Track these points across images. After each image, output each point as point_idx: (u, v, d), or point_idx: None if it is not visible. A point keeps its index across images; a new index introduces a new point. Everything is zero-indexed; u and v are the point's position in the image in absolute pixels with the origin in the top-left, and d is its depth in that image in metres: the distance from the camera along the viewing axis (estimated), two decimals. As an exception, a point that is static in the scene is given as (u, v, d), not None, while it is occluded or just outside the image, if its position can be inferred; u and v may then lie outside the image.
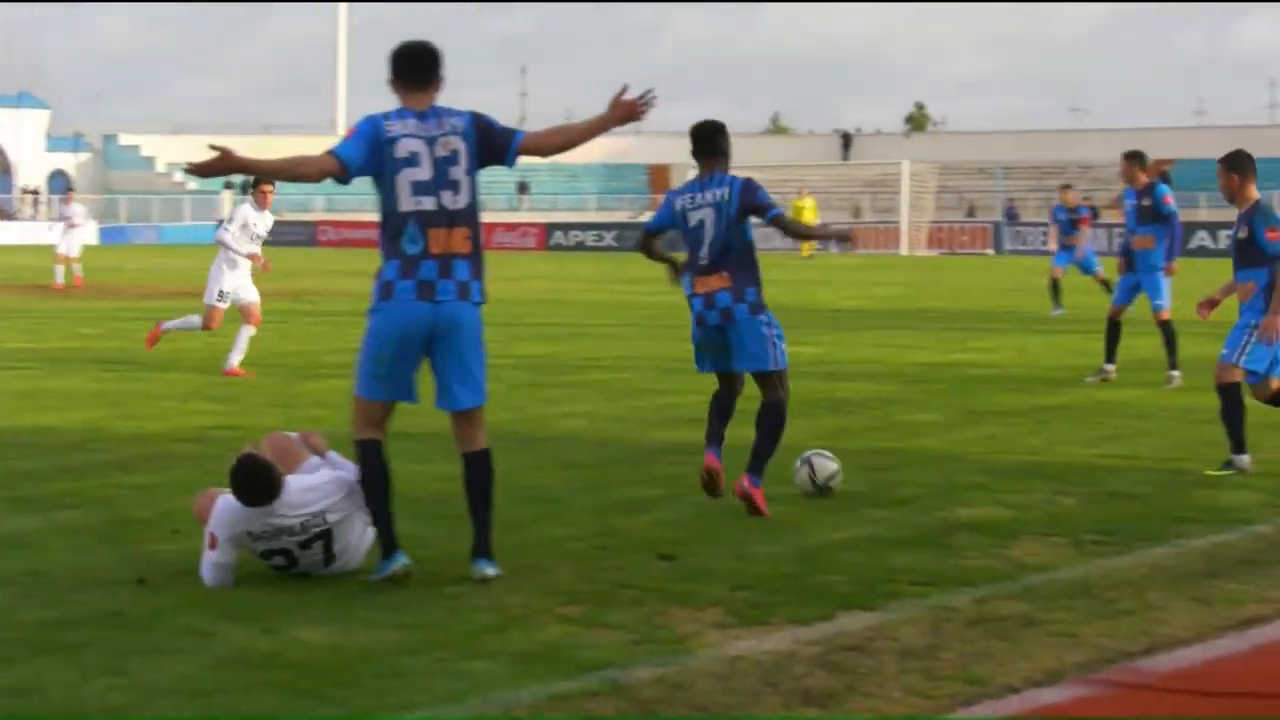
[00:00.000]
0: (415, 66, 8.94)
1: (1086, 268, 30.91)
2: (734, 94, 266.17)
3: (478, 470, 9.05)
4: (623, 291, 40.36)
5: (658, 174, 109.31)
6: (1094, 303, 29.15)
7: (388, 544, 8.71)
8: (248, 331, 19.99)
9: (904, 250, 77.66)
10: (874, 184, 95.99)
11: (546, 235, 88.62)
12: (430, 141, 8.73)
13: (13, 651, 7.38)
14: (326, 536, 8.77)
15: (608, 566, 9.08)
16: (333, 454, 9.39)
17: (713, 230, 11.16)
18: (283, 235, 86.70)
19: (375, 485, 8.80)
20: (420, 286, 8.65)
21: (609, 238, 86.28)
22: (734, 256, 11.18)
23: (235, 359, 19.69)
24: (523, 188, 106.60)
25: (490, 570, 8.74)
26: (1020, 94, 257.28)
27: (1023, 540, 9.85)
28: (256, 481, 8.66)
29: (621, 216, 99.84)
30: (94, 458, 12.99)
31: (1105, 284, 30.05)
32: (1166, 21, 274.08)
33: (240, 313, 20.23)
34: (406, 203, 8.67)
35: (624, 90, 9.02)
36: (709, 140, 11.48)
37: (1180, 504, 11.02)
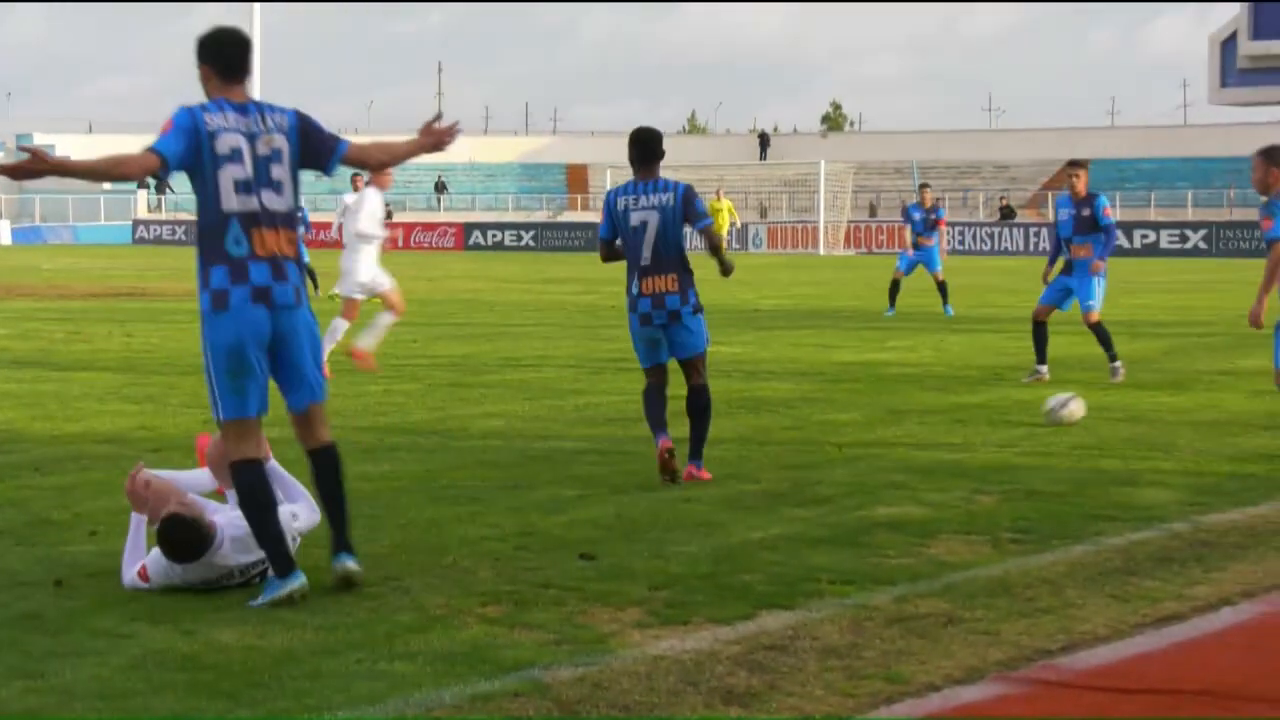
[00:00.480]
0: (233, 56, 8.55)
1: (929, 265, 31.10)
2: (650, 94, 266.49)
3: (328, 465, 8.68)
4: (541, 291, 40.34)
5: (575, 173, 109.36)
6: (933, 303, 29.24)
7: (284, 563, 8.29)
8: (389, 319, 19.79)
9: (822, 250, 77.97)
10: (792, 184, 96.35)
11: (465, 235, 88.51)
12: (251, 138, 8.36)
13: (-74, 655, 7.29)
14: (262, 568, 8.56)
15: (528, 566, 9.05)
16: (274, 465, 9.11)
17: (655, 232, 11.91)
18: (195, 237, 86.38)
19: (267, 505, 8.38)
20: (255, 292, 8.29)
21: (527, 238, 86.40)
22: (675, 258, 12.04)
23: (370, 342, 19.52)
24: (440, 187, 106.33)
25: (352, 564, 8.48)
26: (935, 94, 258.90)
27: (942, 539, 9.87)
28: (185, 544, 8.38)
29: (540, 216, 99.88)
30: (8, 459, 12.87)
31: (942, 285, 31.13)
32: (1080, 22, 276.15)
33: (381, 300, 19.94)
34: (229, 201, 8.29)
35: (437, 118, 9.01)
36: (652, 146, 12.13)
37: (1098, 502, 11.08)
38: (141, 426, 14.68)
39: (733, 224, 67.55)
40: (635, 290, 12.07)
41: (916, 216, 31.51)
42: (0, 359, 21.44)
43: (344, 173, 9.81)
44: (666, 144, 12.34)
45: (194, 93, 8.78)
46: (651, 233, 11.90)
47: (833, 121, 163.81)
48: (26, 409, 16.02)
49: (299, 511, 8.89)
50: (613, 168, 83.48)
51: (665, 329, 12.11)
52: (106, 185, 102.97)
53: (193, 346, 22.61)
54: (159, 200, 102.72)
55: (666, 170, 12.58)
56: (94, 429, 14.57)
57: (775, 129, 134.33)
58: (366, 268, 19.82)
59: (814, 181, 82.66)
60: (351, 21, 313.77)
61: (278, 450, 9.32)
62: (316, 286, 35.30)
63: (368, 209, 19.80)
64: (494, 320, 29.11)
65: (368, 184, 20.23)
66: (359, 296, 19.85)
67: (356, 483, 11.09)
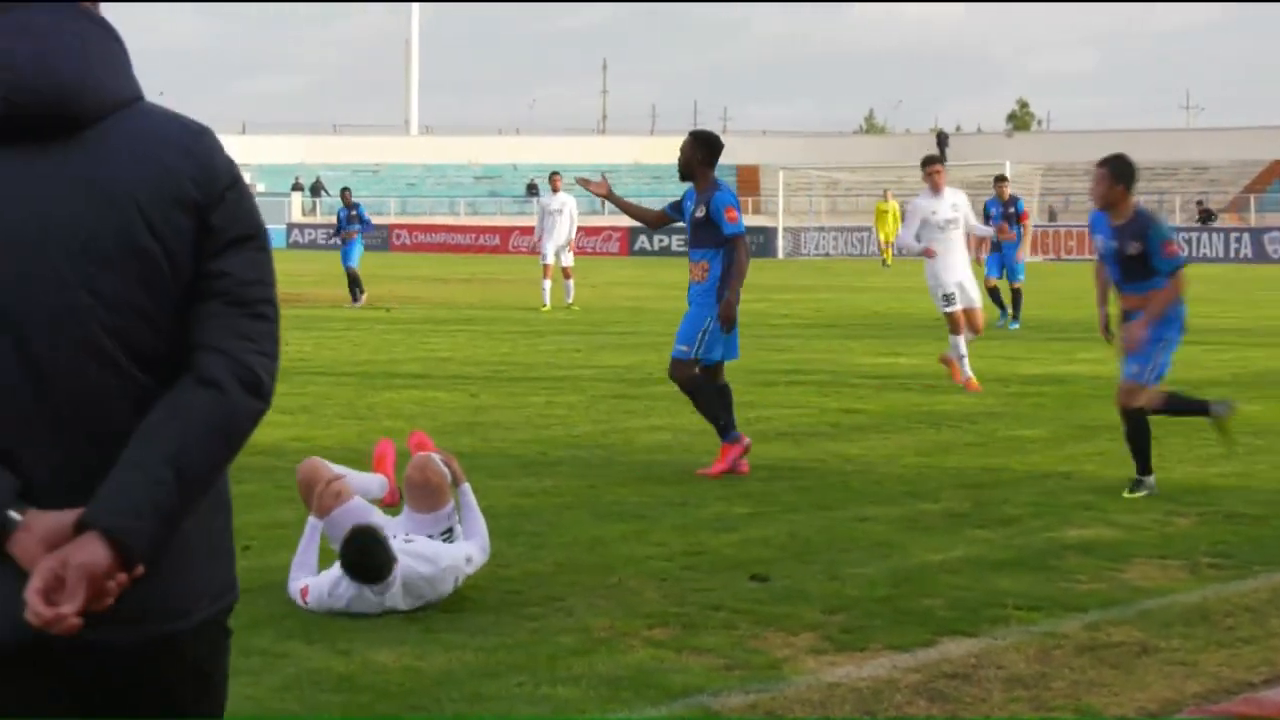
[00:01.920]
0: None
1: (1011, 270, 29.81)
2: (824, 91, 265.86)
3: None
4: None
5: (745, 175, 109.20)
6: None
7: None
8: (966, 339, 19.41)
9: (1006, 256, 77.30)
10: (974, 185, 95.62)
11: (630, 240, 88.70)
12: None
13: (77, 672, 7.41)
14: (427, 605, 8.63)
15: (697, 587, 9.06)
16: (467, 490, 9.25)
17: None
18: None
19: None
20: None
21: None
22: None
23: (968, 371, 19.17)
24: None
25: None
26: (1129, 91, 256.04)
27: (1135, 563, 9.77)
28: (373, 567, 8.44)
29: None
30: (160, 470, 13.03)
31: (1017, 295, 29.89)
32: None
33: (964, 318, 19.43)
34: None
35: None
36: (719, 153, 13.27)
37: (1303, 525, 10.92)
38: (296, 438, 14.85)
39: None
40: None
41: (994, 213, 29.63)
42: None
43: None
44: (841, 144, 12.62)
45: (351, 93, 8.89)
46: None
47: (1019, 120, 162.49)
48: (178, 419, 16.23)
49: (473, 555, 8.88)
50: (785, 169, 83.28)
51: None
52: (260, 186, 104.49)
53: (348, 356, 22.90)
54: (314, 203, 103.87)
55: (842, 171, 12.72)
56: (249, 441, 14.72)
57: (958, 128, 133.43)
58: (945, 276, 19.44)
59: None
60: (513, 18, 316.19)
61: (265, 461, 9.38)
62: (361, 293, 35.59)
63: (914, 220, 19.48)
64: (660, 329, 29.12)
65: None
66: (954, 308, 19.36)
67: (517, 498, 11.18)
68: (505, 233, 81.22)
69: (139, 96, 3.36)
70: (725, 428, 13.01)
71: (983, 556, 9.93)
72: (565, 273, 35.10)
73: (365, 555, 8.42)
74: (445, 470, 9.21)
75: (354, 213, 36.48)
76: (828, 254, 77.61)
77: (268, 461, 13.47)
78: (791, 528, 10.78)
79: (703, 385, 13.17)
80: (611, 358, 23.32)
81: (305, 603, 8.59)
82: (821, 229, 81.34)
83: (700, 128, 14.13)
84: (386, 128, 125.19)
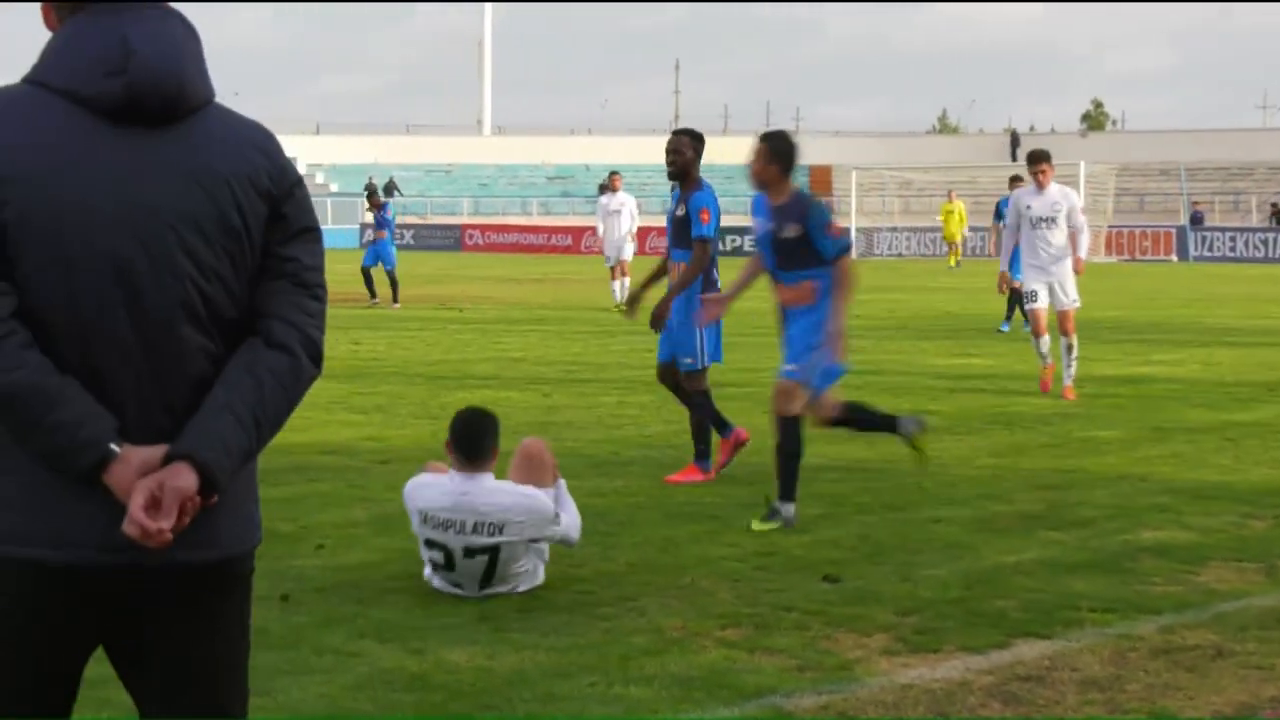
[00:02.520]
0: None
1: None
2: (898, 91, 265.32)
3: None
4: (782, 299, 40.26)
5: (818, 175, 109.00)
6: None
7: None
8: (1047, 342, 19.15)
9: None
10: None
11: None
12: None
13: (152, 669, 7.46)
14: (493, 553, 8.75)
15: (769, 588, 9.06)
16: (563, 484, 9.48)
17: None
18: (428, 240, 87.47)
19: None
20: None
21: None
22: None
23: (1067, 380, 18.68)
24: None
25: None
26: (1204, 90, 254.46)
27: (1211, 565, 9.72)
28: (471, 431, 8.89)
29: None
30: (234, 469, 13.10)
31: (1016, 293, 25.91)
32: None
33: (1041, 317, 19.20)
34: None
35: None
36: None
37: (1381, 528, 10.83)
38: (369, 437, 14.92)
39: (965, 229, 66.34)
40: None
41: (1006, 212, 27.87)
42: (226, 366, 21.88)
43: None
44: (913, 144, 12.54)
45: (424, 93, 9.01)
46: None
47: (1093, 120, 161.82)
48: (252, 418, 16.30)
49: (563, 519, 9.05)
50: (859, 169, 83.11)
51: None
52: (334, 186, 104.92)
53: (420, 356, 22.98)
54: (387, 204, 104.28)
55: (915, 171, 12.62)
56: (320, 439, 14.81)
57: (1031, 128, 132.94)
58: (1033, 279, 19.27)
59: (1073, 184, 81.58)
60: (585, 17, 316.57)
61: (338, 460, 9.42)
62: (375, 296, 35.02)
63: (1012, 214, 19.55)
64: (731, 329, 29.09)
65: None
66: (1039, 306, 19.16)
67: (590, 498, 11.18)
68: (578, 233, 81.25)
69: (214, 96, 3.81)
70: (706, 450, 13.05)
71: (1057, 558, 9.89)
72: (622, 269, 34.78)
73: (475, 420, 8.94)
74: (546, 454, 9.54)
75: (382, 214, 35.98)
76: (900, 254, 77.42)
77: (341, 461, 13.55)
78: (864, 529, 10.76)
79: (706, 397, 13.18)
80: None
81: (415, 499, 8.98)
82: (895, 229, 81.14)
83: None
84: (459, 128, 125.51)
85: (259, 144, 3.82)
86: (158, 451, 3.60)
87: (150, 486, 3.55)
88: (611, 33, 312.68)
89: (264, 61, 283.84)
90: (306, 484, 12.40)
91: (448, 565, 8.81)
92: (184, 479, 3.58)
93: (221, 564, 3.85)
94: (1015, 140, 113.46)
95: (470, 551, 8.73)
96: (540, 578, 9.03)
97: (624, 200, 34.90)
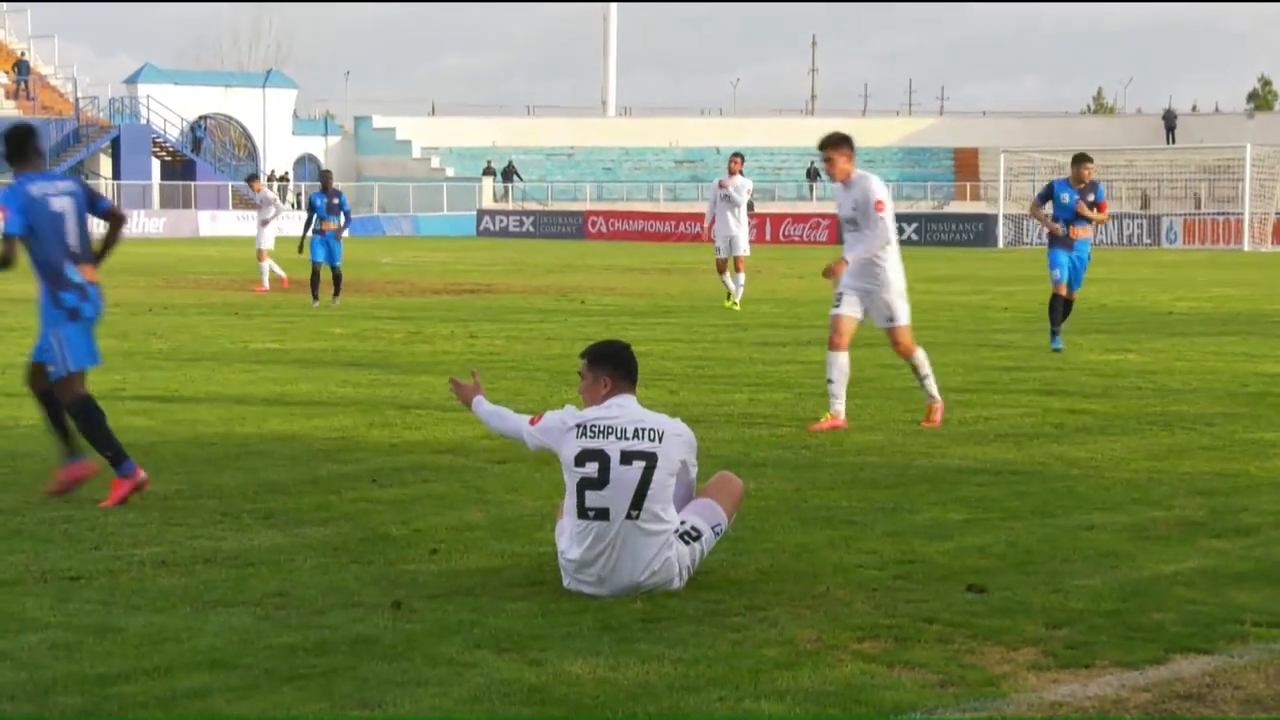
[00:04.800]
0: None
1: (1076, 274, 24.61)
2: (1049, 69, 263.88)
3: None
4: (925, 291, 39.60)
5: (963, 158, 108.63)
6: None
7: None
8: None
9: (1247, 246, 76.21)
10: (1213, 170, 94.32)
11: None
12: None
13: (258, 679, 7.53)
14: (649, 464, 8.99)
15: (909, 598, 9.03)
16: (725, 524, 9.67)
17: None
18: (548, 227, 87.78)
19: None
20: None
21: (910, 230, 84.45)
22: None
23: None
24: (814, 174, 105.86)
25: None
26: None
27: (1387, 577, 9.60)
28: (628, 354, 9.41)
29: (924, 206, 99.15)
30: (344, 469, 13.23)
31: (1069, 305, 24.46)
32: None
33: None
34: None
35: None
36: None
37: None
38: (486, 435, 14.96)
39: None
40: None
41: (1066, 199, 24.19)
42: (337, 360, 22.08)
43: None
44: (1063, 125, 12.59)
45: (545, 72, 9.12)
46: None
47: (1261, 100, 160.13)
48: (364, 415, 16.45)
49: (702, 531, 9.39)
50: (1006, 152, 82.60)
51: None
52: (450, 170, 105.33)
53: (540, 350, 23.04)
54: (506, 189, 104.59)
55: (1062, 154, 12.53)
56: (435, 438, 14.89)
57: (1194, 107, 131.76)
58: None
59: (1238, 168, 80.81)
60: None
61: (452, 460, 9.43)
62: (336, 295, 33.44)
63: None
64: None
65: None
66: None
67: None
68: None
69: None
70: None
71: (1219, 568, 9.80)
72: (736, 264, 32.86)
73: (625, 346, 9.52)
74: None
75: (335, 201, 33.62)
76: (1052, 243, 76.81)
77: (455, 461, 13.61)
78: (1011, 536, 10.70)
79: None
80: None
81: (532, 431, 9.40)
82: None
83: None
84: (582, 109, 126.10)
85: None
86: None
87: None
88: (744, 8, 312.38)
89: (377, 39, 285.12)
90: (420, 485, 12.47)
91: (601, 478, 9.00)
92: None
93: None
94: (1170, 121, 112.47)
95: (627, 456, 8.99)
96: (675, 583, 9.05)
97: (741, 184, 32.70)
